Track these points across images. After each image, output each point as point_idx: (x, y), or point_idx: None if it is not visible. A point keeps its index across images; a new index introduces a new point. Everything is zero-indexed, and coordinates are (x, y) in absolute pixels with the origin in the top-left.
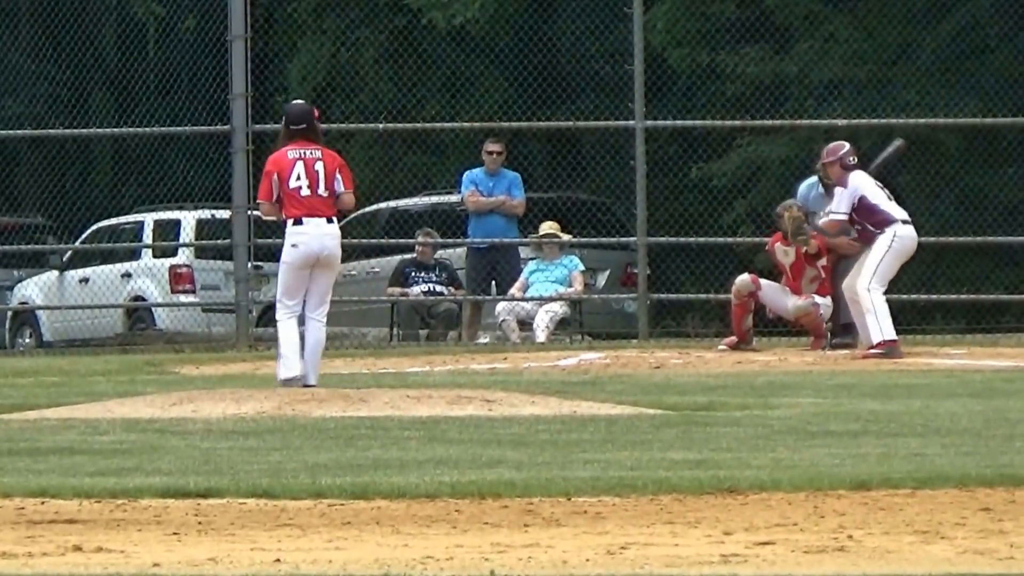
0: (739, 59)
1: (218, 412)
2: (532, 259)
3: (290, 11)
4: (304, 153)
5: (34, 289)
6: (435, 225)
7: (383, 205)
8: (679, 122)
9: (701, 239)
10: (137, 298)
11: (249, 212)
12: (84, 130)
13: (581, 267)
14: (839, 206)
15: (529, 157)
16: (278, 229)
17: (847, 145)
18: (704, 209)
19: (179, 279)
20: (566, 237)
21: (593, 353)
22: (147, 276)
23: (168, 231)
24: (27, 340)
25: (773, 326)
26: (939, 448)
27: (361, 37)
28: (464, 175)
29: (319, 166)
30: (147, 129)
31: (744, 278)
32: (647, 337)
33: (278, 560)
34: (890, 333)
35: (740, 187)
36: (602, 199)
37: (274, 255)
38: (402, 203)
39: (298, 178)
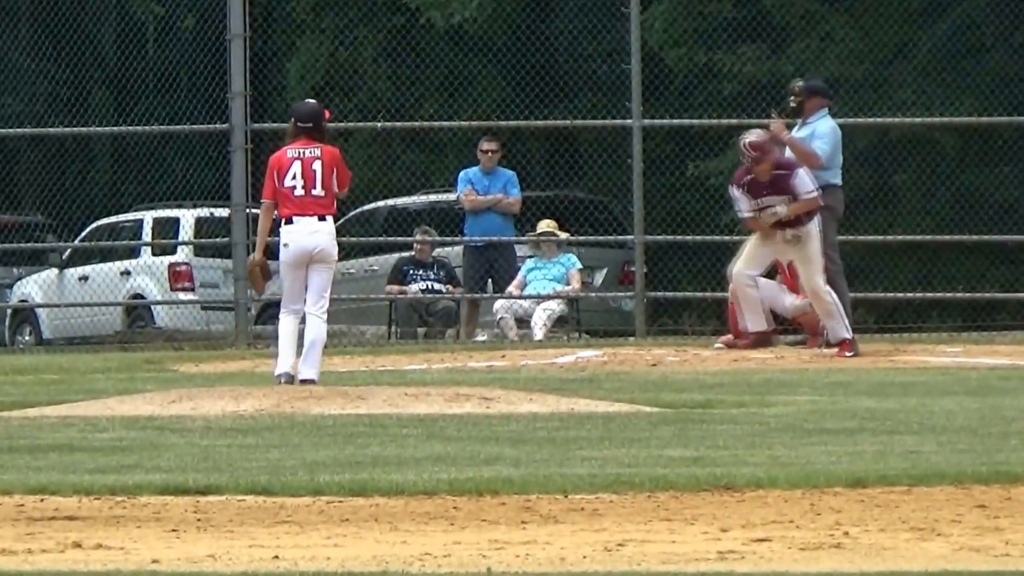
0: (736, 58)
1: (217, 410)
2: (530, 257)
3: (289, 10)
4: (303, 152)
5: (34, 287)
6: (433, 223)
7: (381, 203)
8: (676, 121)
9: (698, 237)
10: (136, 296)
11: (248, 210)
12: (84, 128)
13: (579, 265)
14: (808, 184)
15: (527, 156)
16: (277, 229)
17: (755, 134)
18: (701, 207)
19: (178, 277)
20: (563, 235)
21: (590, 351)
22: (146, 274)
23: (167, 229)
24: (27, 338)
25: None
26: (935, 446)
27: (359, 36)
28: (460, 174)
29: (316, 165)
30: (146, 128)
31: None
32: (644, 335)
33: (277, 557)
34: (850, 330)
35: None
36: (599, 197)
37: (273, 253)
38: (400, 201)
39: (293, 177)
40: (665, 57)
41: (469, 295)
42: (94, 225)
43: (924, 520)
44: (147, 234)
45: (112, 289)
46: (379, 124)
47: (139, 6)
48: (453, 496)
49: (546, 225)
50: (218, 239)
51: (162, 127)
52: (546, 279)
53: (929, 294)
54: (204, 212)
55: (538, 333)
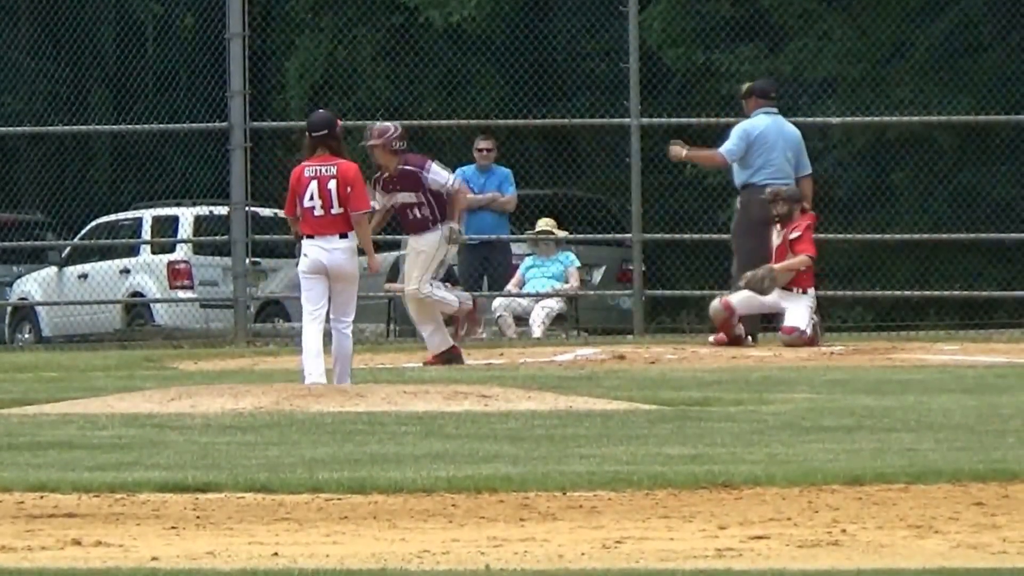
0: (734, 57)
1: (216, 407)
2: (528, 255)
3: (287, 9)
4: (320, 171)
5: (33, 285)
6: None
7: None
8: (674, 119)
9: (696, 236)
10: (136, 294)
11: (247, 208)
12: (83, 127)
13: (577, 263)
14: (442, 177)
15: (525, 154)
16: (276, 227)
17: (393, 127)
18: (699, 206)
19: (177, 275)
20: (562, 234)
21: (589, 349)
22: (146, 272)
23: (166, 227)
24: (26, 335)
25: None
26: (932, 443)
27: (358, 35)
28: (455, 172)
29: (332, 184)
30: (146, 126)
31: (715, 305)
32: (642, 333)
33: (276, 554)
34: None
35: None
36: (598, 196)
37: (272, 251)
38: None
39: (311, 198)
40: (664, 57)
41: (468, 293)
42: (94, 223)
43: (921, 517)
44: (146, 232)
45: (111, 287)
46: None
47: (138, 5)
48: (451, 493)
49: (545, 223)
50: (217, 237)
51: (161, 126)
52: (544, 277)
53: (927, 292)
54: (203, 210)
55: (536, 331)
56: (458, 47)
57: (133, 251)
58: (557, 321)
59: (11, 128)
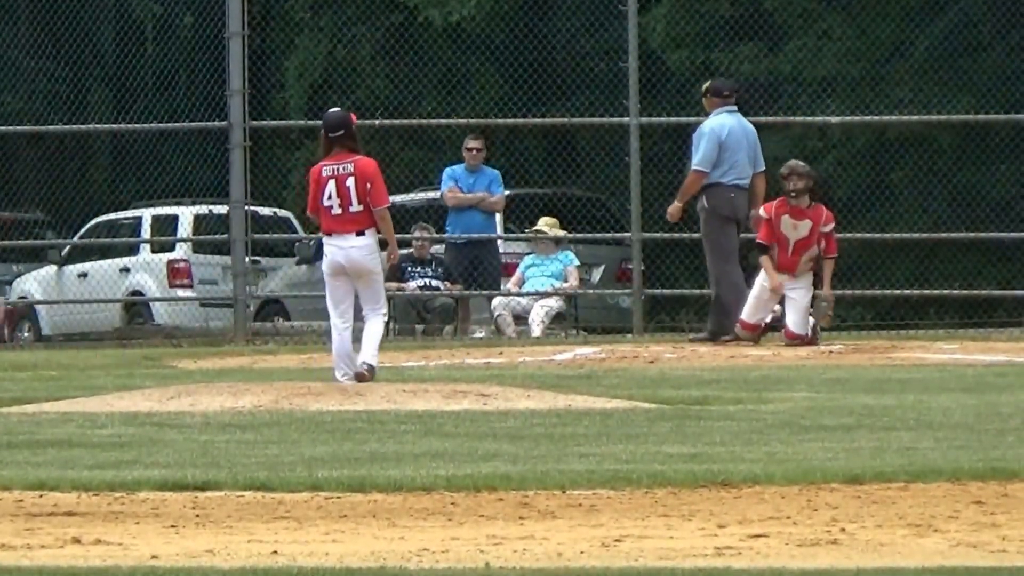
0: (733, 57)
1: (216, 406)
2: (528, 254)
3: (287, 8)
4: (337, 169)
5: (33, 283)
6: (431, 221)
7: None
8: (674, 119)
9: (696, 235)
10: (135, 293)
11: (246, 207)
12: (83, 126)
13: (576, 262)
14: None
15: (525, 153)
16: (276, 226)
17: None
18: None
19: (177, 274)
20: (561, 233)
21: (588, 348)
22: (145, 271)
23: (166, 226)
24: (26, 334)
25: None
26: (932, 442)
27: (358, 34)
28: (445, 171)
29: (350, 182)
30: (145, 125)
31: (740, 332)
32: (642, 332)
33: (275, 552)
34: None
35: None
36: (597, 195)
37: (271, 250)
38: (398, 199)
39: (330, 196)
40: (667, 60)
41: (467, 292)
42: (93, 222)
43: (921, 516)
44: (146, 231)
45: (111, 286)
46: (377, 121)
47: (138, 4)
48: (451, 492)
49: (545, 222)
50: (217, 236)
51: (161, 124)
52: (544, 276)
53: (926, 291)
54: (203, 209)
55: (536, 330)
56: (457, 46)
57: (133, 250)
58: (556, 320)
59: (11, 127)
